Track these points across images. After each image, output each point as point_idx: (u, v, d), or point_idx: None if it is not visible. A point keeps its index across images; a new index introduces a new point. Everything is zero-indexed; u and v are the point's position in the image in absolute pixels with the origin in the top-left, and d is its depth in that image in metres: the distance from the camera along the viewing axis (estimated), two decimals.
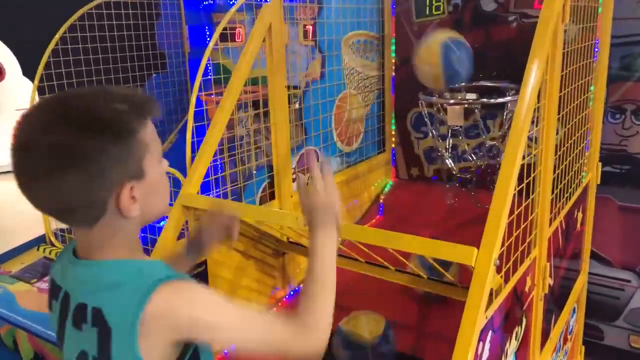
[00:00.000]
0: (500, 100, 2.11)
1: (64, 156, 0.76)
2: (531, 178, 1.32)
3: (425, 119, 2.20)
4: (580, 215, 2.02)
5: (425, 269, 1.76)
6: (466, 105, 2.15)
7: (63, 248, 0.95)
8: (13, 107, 6.39)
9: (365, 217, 2.44)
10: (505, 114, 2.16)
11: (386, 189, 2.58)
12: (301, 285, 2.07)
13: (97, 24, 2.28)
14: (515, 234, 1.25)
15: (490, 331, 1.17)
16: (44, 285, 1.92)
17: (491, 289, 1.14)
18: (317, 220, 1.01)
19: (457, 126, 2.16)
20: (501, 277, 1.20)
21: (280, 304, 1.97)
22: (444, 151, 2.26)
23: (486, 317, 1.11)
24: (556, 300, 1.82)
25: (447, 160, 2.28)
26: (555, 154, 1.51)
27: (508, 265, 1.24)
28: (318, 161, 1.08)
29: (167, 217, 1.59)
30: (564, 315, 1.93)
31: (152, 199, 0.87)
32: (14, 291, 1.91)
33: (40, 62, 2.24)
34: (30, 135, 0.78)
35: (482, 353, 1.13)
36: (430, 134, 2.27)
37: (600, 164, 2.15)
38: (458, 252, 1.10)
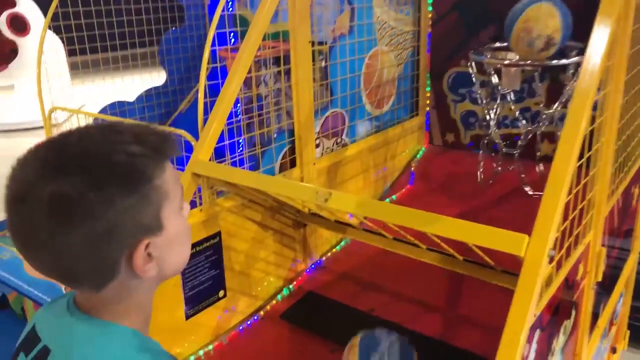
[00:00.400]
0: (563, 61, 1.86)
1: (63, 210, 0.63)
2: (593, 151, 1.12)
3: (474, 82, 1.98)
4: (637, 190, 1.81)
5: None
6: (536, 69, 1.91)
7: (60, 299, 0.79)
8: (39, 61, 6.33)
9: (394, 186, 2.27)
10: (566, 77, 1.91)
11: (418, 156, 2.39)
12: (323, 258, 1.95)
13: None
14: (570, 217, 1.07)
15: (538, 329, 1.01)
16: None
17: (541, 284, 0.97)
18: None
19: (512, 90, 1.94)
20: (552, 266, 1.03)
21: (300, 277, 1.85)
22: (490, 117, 2.03)
23: (534, 315, 0.95)
24: (606, 285, 1.64)
25: (492, 128, 2.06)
26: (619, 122, 1.30)
27: (561, 253, 1.06)
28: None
29: None
30: (613, 300, 1.75)
31: (172, 254, 0.74)
32: (21, 257, 1.81)
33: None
34: (25, 188, 0.64)
35: (527, 356, 0.97)
36: (479, 98, 2.04)
37: None
38: (504, 240, 0.93)
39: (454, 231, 0.99)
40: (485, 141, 2.08)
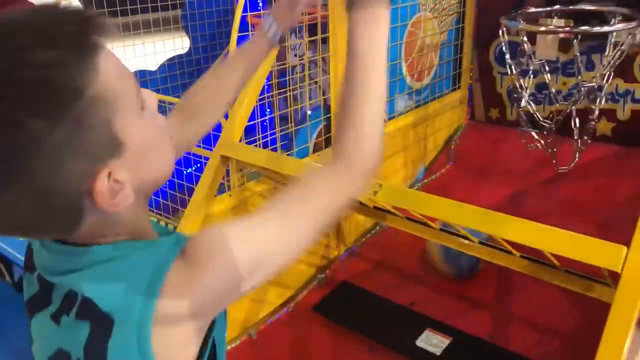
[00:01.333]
0: (606, 28, 1.68)
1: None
2: None
3: (505, 50, 1.79)
4: None
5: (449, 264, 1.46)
6: (561, 35, 1.74)
7: None
8: None
9: (433, 165, 2.11)
10: (608, 47, 1.72)
11: (459, 133, 2.21)
12: (357, 245, 1.82)
13: None
14: None
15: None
16: None
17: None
18: None
19: (549, 59, 1.76)
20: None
21: (333, 265, 1.72)
22: (522, 90, 1.86)
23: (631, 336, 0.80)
24: None
25: (525, 102, 1.88)
26: None
27: None
28: None
29: (202, 163, 1.33)
30: None
31: (149, 164, 0.57)
32: None
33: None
34: None
35: None
36: (509, 68, 1.87)
37: None
38: (596, 251, 0.77)
39: (531, 238, 0.84)
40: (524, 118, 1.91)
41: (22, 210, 0.51)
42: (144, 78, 2.07)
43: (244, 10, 1.41)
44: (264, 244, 0.60)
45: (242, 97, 1.31)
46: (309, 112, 1.58)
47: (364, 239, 1.81)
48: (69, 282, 0.57)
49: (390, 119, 1.88)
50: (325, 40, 1.54)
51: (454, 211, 0.95)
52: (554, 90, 1.91)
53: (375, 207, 1.52)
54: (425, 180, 2.06)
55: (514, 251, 1.24)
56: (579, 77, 1.80)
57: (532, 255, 1.22)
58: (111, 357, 0.55)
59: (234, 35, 1.31)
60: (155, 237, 0.64)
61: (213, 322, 0.62)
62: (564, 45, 1.94)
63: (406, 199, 1.01)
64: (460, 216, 0.93)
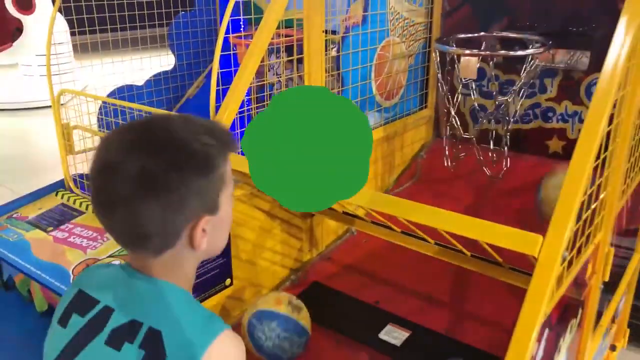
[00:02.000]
0: (520, 52, 1.89)
1: (149, 183, 0.75)
2: (609, 152, 1.12)
3: (437, 71, 2.00)
4: None
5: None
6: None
7: (113, 265, 0.89)
8: (44, 40, 6.31)
9: (401, 178, 2.27)
10: (524, 68, 1.93)
11: (426, 148, 2.38)
12: (329, 249, 1.95)
13: None
14: (584, 217, 1.07)
15: (547, 329, 1.01)
16: (60, 234, 1.83)
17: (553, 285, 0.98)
18: None
19: (469, 79, 1.97)
20: (564, 266, 1.03)
21: (306, 267, 1.85)
22: (450, 107, 2.06)
23: (545, 315, 0.96)
24: (610, 284, 1.65)
25: (453, 120, 2.08)
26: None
27: (572, 254, 1.07)
28: None
29: None
30: (615, 299, 1.76)
31: (219, 233, 0.87)
32: (29, 239, 1.83)
33: None
34: (115, 157, 0.76)
35: (536, 354, 0.98)
36: (440, 88, 2.07)
37: None
38: (520, 240, 0.93)
39: (468, 229, 0.99)
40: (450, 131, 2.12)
41: (147, 220, 0.76)
42: (131, 92, 2.20)
43: (227, 31, 1.56)
44: None
45: (223, 110, 1.45)
46: None
47: (334, 244, 1.95)
48: (143, 317, 0.77)
49: None
50: (300, 60, 1.70)
51: (408, 209, 1.10)
52: (476, 106, 2.11)
53: (344, 212, 1.66)
54: (395, 191, 2.21)
55: (465, 250, 1.40)
56: (496, 98, 2.01)
57: (481, 254, 1.38)
58: None
59: (217, 53, 1.45)
60: None
61: None
62: (506, 68, 2.15)
63: (364, 198, 1.15)
64: (413, 213, 1.08)
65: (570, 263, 1.08)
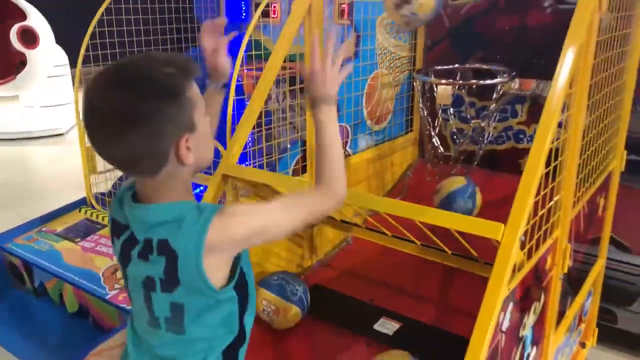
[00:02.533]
0: (488, 82, 2.18)
1: (129, 118, 0.89)
2: (558, 162, 1.37)
3: (419, 98, 2.28)
4: (602, 200, 2.07)
5: None
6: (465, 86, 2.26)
7: (118, 193, 1.07)
8: (46, 73, 6.55)
9: (391, 193, 2.51)
10: (494, 96, 2.22)
11: (412, 168, 2.64)
12: (327, 257, 2.17)
13: None
14: (539, 214, 1.32)
15: (511, 302, 1.25)
16: (87, 244, 2.04)
17: (514, 264, 1.22)
18: (323, 98, 1.12)
19: (445, 105, 2.24)
20: (524, 253, 1.27)
21: (307, 273, 2.07)
22: (431, 130, 2.33)
23: (509, 289, 1.19)
24: (573, 282, 1.89)
25: (434, 140, 2.35)
26: (583, 139, 1.56)
27: (531, 243, 1.31)
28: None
29: (205, 186, 1.69)
30: (580, 297, 1.99)
31: (203, 148, 1.00)
32: (59, 249, 2.03)
33: (79, 31, 2.33)
34: (97, 101, 0.91)
35: (502, 322, 1.21)
36: (421, 113, 2.35)
37: (625, 151, 2.18)
38: (485, 227, 1.17)
39: (445, 220, 1.23)
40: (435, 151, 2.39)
41: (136, 148, 0.90)
42: None
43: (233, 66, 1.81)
44: (272, 220, 1.03)
45: (238, 130, 1.70)
46: (288, 146, 1.97)
47: (332, 252, 2.18)
48: (152, 233, 0.97)
49: (354, 153, 2.30)
50: (302, 90, 1.95)
51: (390, 204, 1.35)
52: (455, 130, 2.40)
53: (342, 220, 1.90)
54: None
55: (446, 249, 1.64)
56: (471, 122, 2.29)
57: (461, 252, 1.61)
58: (180, 274, 0.93)
59: (233, 83, 1.70)
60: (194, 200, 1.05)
61: (238, 257, 1.00)
62: (481, 95, 2.44)
63: (360, 199, 1.40)
64: (394, 208, 1.33)
65: (530, 253, 1.32)
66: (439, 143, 2.30)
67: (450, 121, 2.36)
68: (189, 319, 0.99)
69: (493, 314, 1.12)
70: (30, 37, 6.00)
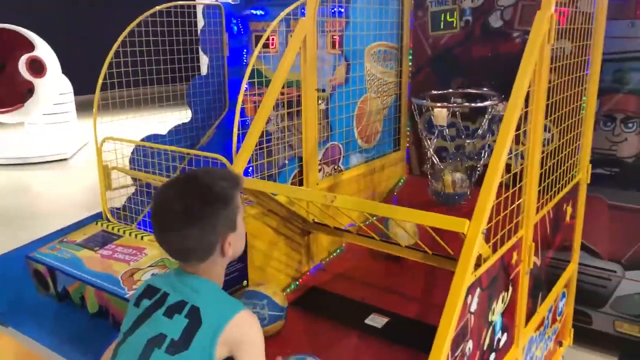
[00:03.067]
0: (479, 104, 2.42)
1: (192, 217, 1.17)
2: (518, 169, 1.61)
3: (417, 119, 2.53)
4: (570, 209, 2.29)
5: None
6: (458, 109, 2.50)
7: (170, 271, 1.36)
8: (51, 101, 6.82)
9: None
10: (485, 117, 2.46)
11: (400, 184, 2.87)
12: (322, 262, 2.38)
13: (151, 29, 2.62)
14: (502, 214, 1.55)
15: (479, 288, 1.46)
16: (105, 252, 2.25)
17: (480, 255, 1.44)
18: None
19: (441, 126, 2.47)
20: (490, 247, 1.50)
21: (305, 276, 2.28)
22: (428, 149, 2.57)
23: (475, 276, 1.41)
24: (544, 282, 2.11)
25: (431, 157, 2.59)
26: (544, 152, 1.80)
27: (496, 239, 1.53)
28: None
29: None
30: (552, 295, 2.20)
31: (239, 243, 1.30)
32: (80, 256, 2.24)
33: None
34: (167, 200, 1.20)
35: (471, 304, 1.42)
36: (420, 134, 2.59)
37: (590, 165, 2.42)
38: (454, 222, 1.40)
39: (419, 218, 1.46)
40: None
41: (195, 240, 1.19)
42: (157, 140, 2.67)
43: (237, 91, 2.06)
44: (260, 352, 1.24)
45: (243, 148, 1.93)
46: (286, 162, 2.21)
47: (328, 258, 2.39)
48: (190, 298, 1.21)
49: (346, 169, 2.53)
50: (298, 112, 2.20)
51: (375, 206, 1.57)
52: (453, 150, 2.63)
53: (335, 228, 2.12)
54: (375, 218, 2.67)
55: (427, 250, 1.86)
56: (466, 141, 2.53)
57: (441, 253, 1.83)
58: (194, 340, 1.16)
59: (238, 106, 1.95)
60: None
61: None
62: (470, 116, 2.68)
63: (348, 202, 1.62)
64: (373, 208, 1.55)
65: (495, 247, 1.54)
66: (437, 160, 2.52)
67: (435, 140, 2.59)
68: None
69: (460, 294, 1.33)
70: (37, 67, 6.28)
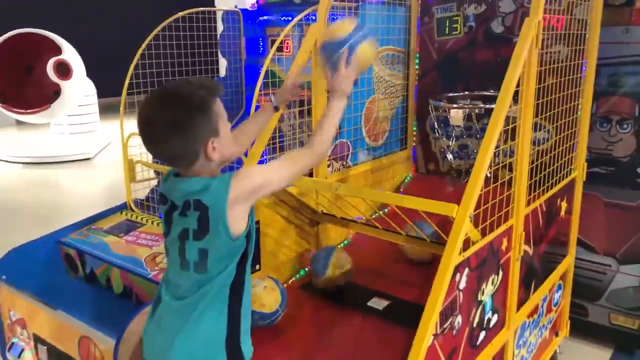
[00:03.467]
0: (493, 106, 2.54)
1: (173, 127, 1.27)
2: (507, 162, 1.76)
3: (433, 120, 2.67)
4: (565, 204, 2.43)
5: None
6: (474, 110, 2.62)
7: (165, 175, 1.47)
8: (76, 102, 7.10)
9: (384, 205, 2.89)
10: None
11: (406, 181, 3.03)
12: None
13: (174, 34, 2.82)
14: (490, 203, 1.70)
15: (467, 268, 1.61)
16: (130, 238, 2.44)
17: (469, 238, 1.59)
18: (338, 91, 1.55)
19: (457, 126, 2.61)
20: (479, 231, 1.65)
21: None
22: (446, 148, 2.71)
23: (463, 256, 1.56)
24: (538, 271, 2.24)
25: (448, 156, 2.73)
26: (540, 148, 1.94)
27: (485, 224, 1.68)
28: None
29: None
30: (547, 285, 2.33)
31: (225, 147, 1.36)
32: (107, 241, 2.44)
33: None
34: (149, 115, 1.30)
35: (459, 281, 1.57)
36: (437, 133, 2.73)
37: (586, 163, 2.55)
38: (444, 207, 1.56)
39: (414, 203, 1.62)
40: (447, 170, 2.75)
41: (177, 149, 1.28)
42: None
43: (253, 91, 2.23)
44: (274, 173, 1.40)
45: (257, 142, 2.11)
46: None
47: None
48: (190, 196, 1.36)
49: (354, 165, 2.70)
50: (309, 111, 2.37)
51: (376, 193, 1.73)
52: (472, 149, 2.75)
53: (342, 218, 2.28)
54: (382, 212, 2.83)
55: (425, 237, 2.01)
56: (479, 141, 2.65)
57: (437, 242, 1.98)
58: (210, 222, 1.32)
59: (254, 104, 2.12)
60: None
61: (251, 212, 1.38)
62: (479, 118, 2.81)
63: (352, 190, 1.79)
64: (378, 196, 1.71)
65: (484, 232, 1.69)
66: (452, 158, 2.67)
67: (442, 140, 2.73)
68: (211, 262, 1.35)
69: (448, 269, 1.48)
70: (64, 70, 6.56)
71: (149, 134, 1.30)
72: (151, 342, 1.44)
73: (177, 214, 1.37)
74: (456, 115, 2.50)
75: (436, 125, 2.71)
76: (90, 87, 7.49)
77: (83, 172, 6.65)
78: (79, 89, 6.93)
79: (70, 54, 6.75)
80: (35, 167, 6.79)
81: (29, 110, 6.56)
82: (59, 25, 8.39)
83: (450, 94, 2.77)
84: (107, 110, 8.00)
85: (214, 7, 3.14)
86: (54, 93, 6.66)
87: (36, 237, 2.50)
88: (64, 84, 6.58)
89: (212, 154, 1.31)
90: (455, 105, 2.54)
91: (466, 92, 2.77)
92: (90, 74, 7.33)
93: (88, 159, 7.10)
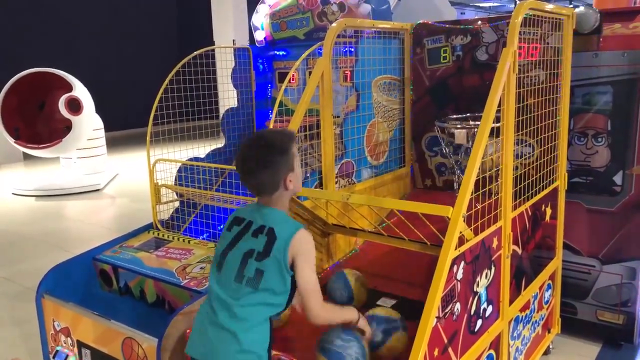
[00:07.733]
0: (494, 124, 2.84)
1: (263, 164, 1.64)
2: (493, 171, 2.05)
3: (440, 140, 2.95)
4: (549, 210, 2.71)
5: None
6: (463, 130, 2.91)
7: (250, 204, 1.79)
8: (86, 136, 7.40)
9: (389, 216, 3.16)
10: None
11: (405, 196, 3.31)
12: (339, 260, 2.81)
13: (192, 69, 3.14)
14: (480, 205, 1.98)
15: (463, 261, 1.88)
16: (160, 253, 2.70)
17: (463, 236, 1.86)
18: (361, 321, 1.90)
19: (464, 145, 2.89)
20: (472, 230, 1.92)
21: (322, 273, 2.70)
22: (454, 164, 2.99)
23: (459, 251, 1.83)
24: (528, 270, 2.50)
25: (457, 172, 3.01)
26: (524, 160, 2.23)
27: (477, 224, 1.96)
28: None
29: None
30: (536, 283, 2.59)
31: (297, 182, 1.71)
32: (139, 257, 2.69)
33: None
34: (246, 152, 1.68)
35: (457, 272, 1.84)
36: (444, 151, 3.02)
37: (567, 174, 2.84)
38: (440, 209, 1.83)
39: (413, 207, 1.90)
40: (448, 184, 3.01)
41: (265, 179, 1.66)
42: (198, 160, 3.16)
43: (266, 117, 2.53)
44: (312, 274, 1.69)
45: None
46: (308, 175, 2.66)
47: (344, 257, 2.82)
48: (266, 223, 1.68)
49: (358, 182, 2.98)
50: (317, 134, 2.66)
51: (382, 200, 2.01)
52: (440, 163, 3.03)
53: (351, 228, 2.56)
54: (384, 224, 3.10)
55: (426, 241, 2.28)
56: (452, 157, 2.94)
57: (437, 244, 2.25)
58: (273, 250, 1.62)
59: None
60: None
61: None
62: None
63: (361, 199, 2.06)
64: (384, 203, 1.98)
65: (476, 232, 1.97)
66: (458, 173, 2.94)
67: (463, 157, 3.00)
68: (263, 282, 1.63)
69: (446, 262, 1.75)
70: (75, 106, 6.88)
71: (247, 169, 1.66)
72: (206, 341, 1.68)
73: (250, 234, 1.68)
74: (459, 135, 2.79)
75: (443, 144, 2.99)
76: (98, 122, 7.81)
77: (94, 202, 6.91)
78: (88, 124, 7.24)
79: (80, 90, 7.08)
80: (46, 199, 7.04)
81: (42, 145, 6.84)
82: (69, 63, 8.76)
83: (455, 116, 3.05)
84: (113, 143, 8.29)
85: (213, 43, 3.45)
86: (65, 128, 6.96)
87: (56, 263, 2.72)
88: (75, 119, 6.89)
89: (289, 185, 1.67)
90: (459, 126, 2.83)
91: (468, 114, 3.06)
92: (98, 109, 7.66)
93: (98, 190, 7.36)
